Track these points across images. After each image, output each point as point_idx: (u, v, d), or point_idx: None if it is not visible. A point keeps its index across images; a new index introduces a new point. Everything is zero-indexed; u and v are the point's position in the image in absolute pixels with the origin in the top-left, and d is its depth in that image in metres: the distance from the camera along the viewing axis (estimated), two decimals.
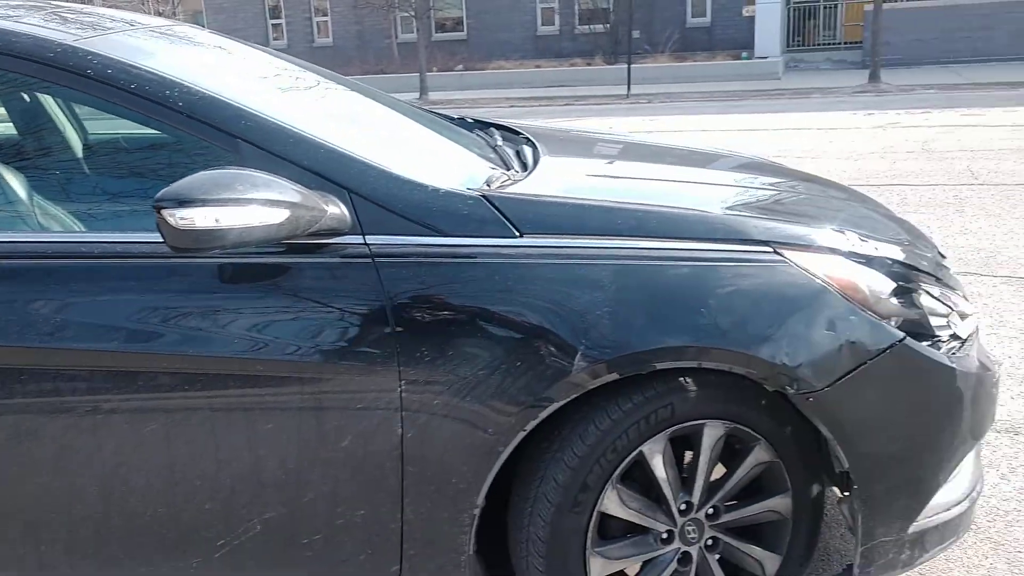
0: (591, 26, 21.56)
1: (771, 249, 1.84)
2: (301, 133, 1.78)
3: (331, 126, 2.10)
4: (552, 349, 1.70)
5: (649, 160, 2.72)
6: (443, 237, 1.74)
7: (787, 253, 1.84)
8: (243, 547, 1.78)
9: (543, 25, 23.16)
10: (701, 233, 1.84)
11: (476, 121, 3.07)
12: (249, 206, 1.56)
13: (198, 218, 1.53)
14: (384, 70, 21.55)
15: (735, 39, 21.30)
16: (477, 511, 1.78)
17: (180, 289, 1.68)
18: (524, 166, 2.29)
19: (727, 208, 2.05)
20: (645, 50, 20.20)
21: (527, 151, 2.46)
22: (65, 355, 1.65)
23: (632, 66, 17.00)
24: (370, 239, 1.72)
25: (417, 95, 17.70)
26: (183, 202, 1.53)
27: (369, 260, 1.71)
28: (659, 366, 1.73)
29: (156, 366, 1.66)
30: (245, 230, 1.56)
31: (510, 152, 2.46)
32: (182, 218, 1.52)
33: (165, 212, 1.52)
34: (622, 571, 1.93)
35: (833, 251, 1.90)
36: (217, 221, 1.54)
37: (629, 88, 16.64)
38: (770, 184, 2.50)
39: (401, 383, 1.70)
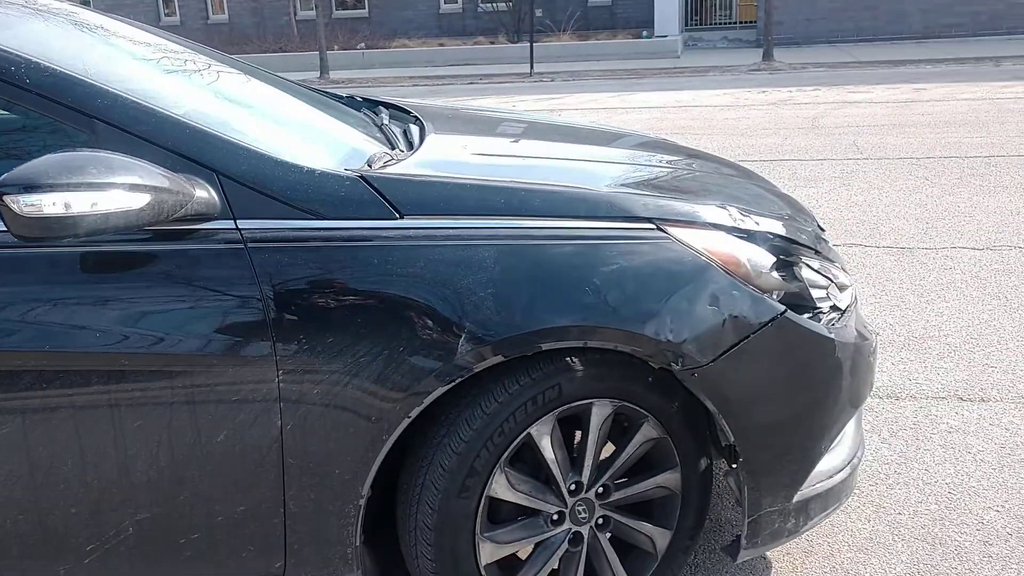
0: (494, 4, 21.42)
1: (654, 226, 1.83)
2: (164, 112, 1.68)
3: (205, 106, 2.01)
4: (435, 333, 1.66)
5: (539, 138, 2.70)
6: (319, 220, 1.68)
7: (670, 229, 1.84)
8: (115, 550, 1.69)
9: (446, 3, 22.91)
10: (584, 211, 1.82)
11: (365, 100, 2.99)
12: (105, 191, 1.47)
13: (46, 204, 1.43)
14: (283, 48, 20.99)
15: (636, 18, 21.52)
16: (363, 502, 1.73)
17: (35, 281, 1.57)
18: (410, 145, 2.24)
19: (612, 185, 2.04)
20: (547, 27, 20.22)
21: (414, 130, 2.41)
22: None
23: (535, 44, 16.98)
24: (241, 223, 1.65)
25: (318, 74, 17.31)
26: (29, 187, 1.42)
27: (241, 245, 1.63)
28: (544, 347, 1.71)
29: (11, 364, 1.55)
30: (100, 217, 1.47)
31: (397, 131, 2.40)
32: (28, 205, 1.41)
33: (8, 199, 1.41)
34: (515, 554, 1.92)
35: (715, 226, 1.91)
36: (68, 207, 1.43)
37: (532, 66, 16.63)
38: (658, 161, 2.51)
39: (279, 373, 1.63)
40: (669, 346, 1.75)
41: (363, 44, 20.79)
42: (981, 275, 4.29)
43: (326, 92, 2.96)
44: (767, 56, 16.20)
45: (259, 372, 1.62)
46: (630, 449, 1.91)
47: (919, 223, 5.20)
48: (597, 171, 2.25)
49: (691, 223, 1.88)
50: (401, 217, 1.71)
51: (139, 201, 1.50)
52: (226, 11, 23.72)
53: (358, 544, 1.76)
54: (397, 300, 1.66)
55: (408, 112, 2.70)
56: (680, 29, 20.73)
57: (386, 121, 2.51)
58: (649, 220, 1.84)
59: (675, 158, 2.58)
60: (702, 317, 1.79)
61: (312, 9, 20.71)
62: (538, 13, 18.84)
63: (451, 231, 1.72)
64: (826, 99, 10.88)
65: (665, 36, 19.60)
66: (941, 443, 2.77)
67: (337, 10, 23.04)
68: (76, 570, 1.69)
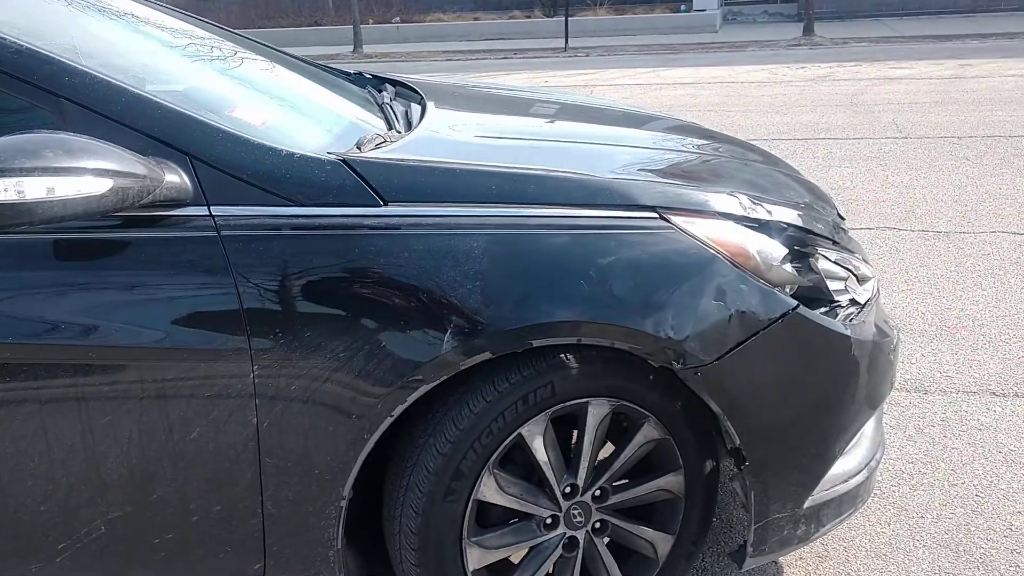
0: None
1: (656, 215, 1.72)
2: (135, 91, 1.59)
3: (187, 85, 1.93)
4: (419, 328, 1.57)
5: (550, 119, 2.58)
6: (297, 207, 1.59)
7: (674, 219, 1.72)
8: (87, 549, 1.62)
9: None
10: (582, 198, 1.71)
11: (374, 77, 2.88)
12: (62, 176, 1.38)
13: None
14: (318, 22, 20.92)
15: None
16: (344, 503, 1.65)
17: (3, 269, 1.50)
18: (409, 126, 2.13)
19: (617, 171, 1.92)
20: (583, 1, 19.92)
21: (416, 110, 2.30)
22: None
23: (570, 19, 16.73)
24: (215, 210, 1.56)
25: (351, 48, 17.21)
26: None
27: (214, 233, 1.55)
28: (535, 343, 1.61)
29: None
30: (58, 203, 1.38)
31: (398, 111, 2.30)
32: None
33: None
34: (508, 559, 1.83)
35: (723, 215, 1.79)
36: (21, 194, 1.35)
37: (567, 41, 16.39)
38: (674, 146, 2.38)
39: (254, 368, 1.55)
40: (670, 343, 1.64)
41: (398, 18, 20.64)
42: (1022, 261, 4.09)
43: (332, 69, 2.86)
44: (808, 31, 15.80)
45: (233, 366, 1.54)
46: (629, 450, 1.81)
47: (957, 206, 4.99)
48: (606, 155, 2.13)
49: (697, 212, 1.76)
50: (385, 204, 1.62)
51: (101, 187, 1.42)
52: None
53: (340, 546, 1.69)
54: (379, 292, 1.57)
55: (414, 90, 2.59)
56: (719, 3, 20.29)
57: (388, 100, 2.40)
58: (652, 208, 1.72)
59: (693, 142, 2.45)
60: (706, 313, 1.67)
61: None
62: None
63: (437, 219, 1.62)
64: (867, 75, 10.56)
65: (703, 10, 19.20)
66: (970, 441, 2.63)
67: None
68: (47, 569, 1.63)
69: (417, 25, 20.07)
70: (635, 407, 1.76)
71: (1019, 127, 6.93)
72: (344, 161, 1.64)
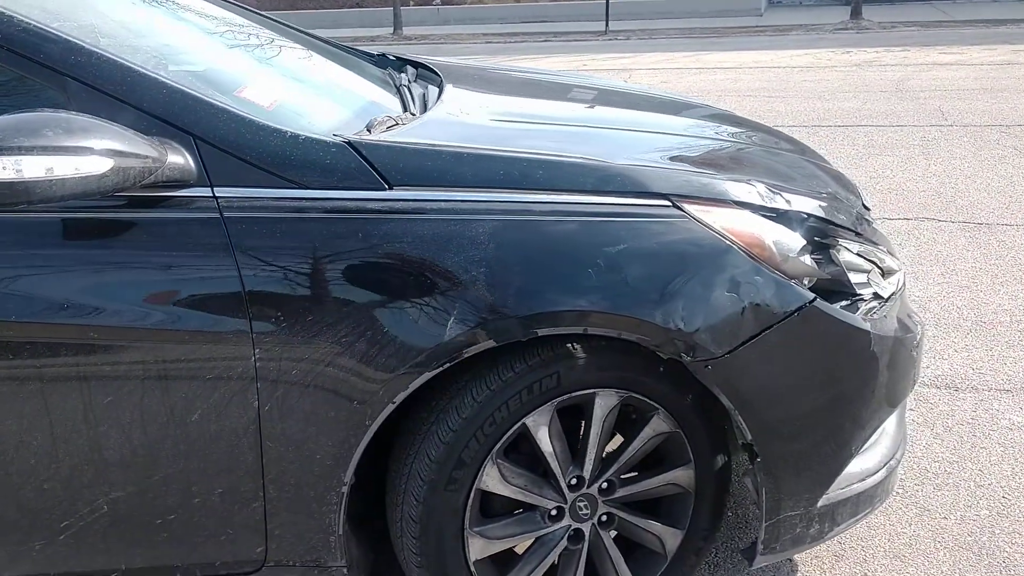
0: None
1: (669, 203, 1.67)
2: (140, 70, 1.57)
3: (197, 65, 1.92)
4: (423, 313, 1.54)
5: (570, 102, 2.53)
6: (302, 189, 1.57)
7: (687, 207, 1.67)
8: (90, 528, 1.63)
9: None
10: (592, 184, 1.67)
11: (398, 58, 2.86)
12: (62, 155, 1.37)
13: None
14: (360, 3, 20.96)
15: None
16: (346, 489, 1.64)
17: (1, 248, 1.50)
18: (425, 108, 2.10)
19: (631, 157, 1.87)
20: None
21: (433, 92, 2.27)
22: None
23: (611, 1, 16.55)
24: (219, 191, 1.54)
25: (391, 30, 17.21)
26: None
27: (217, 215, 1.53)
28: (540, 332, 1.58)
29: None
30: (57, 182, 1.37)
31: (415, 93, 2.27)
32: None
33: None
34: (513, 549, 1.80)
35: (739, 204, 1.73)
36: (19, 172, 1.35)
37: (607, 24, 16.23)
38: (699, 133, 2.32)
39: (256, 351, 1.54)
40: (680, 335, 1.60)
41: (439, 1, 20.60)
42: None
43: (355, 50, 2.84)
44: (855, 14, 15.46)
45: (235, 349, 1.53)
46: (638, 443, 1.77)
47: (1001, 197, 4.85)
48: (625, 141, 2.09)
49: (712, 200, 1.71)
50: (390, 187, 1.59)
51: (101, 166, 1.41)
52: None
53: (342, 532, 1.67)
54: (382, 277, 1.55)
55: (435, 72, 2.56)
56: None
57: (406, 81, 2.37)
58: (664, 196, 1.68)
59: (721, 129, 2.38)
60: (718, 304, 1.62)
61: None
62: None
63: (443, 204, 1.59)
64: (915, 60, 10.30)
65: None
66: (1000, 441, 2.55)
67: None
68: (50, 547, 1.64)
69: (457, 7, 20.01)
70: (644, 399, 1.73)
71: None
72: (349, 143, 1.62)
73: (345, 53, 2.70)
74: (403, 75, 2.49)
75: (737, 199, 1.74)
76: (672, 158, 1.97)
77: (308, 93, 2.07)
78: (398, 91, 2.29)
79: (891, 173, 5.37)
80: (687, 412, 1.75)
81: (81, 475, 1.59)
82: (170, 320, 1.52)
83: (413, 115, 2.00)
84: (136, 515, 1.63)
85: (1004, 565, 2.05)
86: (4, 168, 1.34)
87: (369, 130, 1.78)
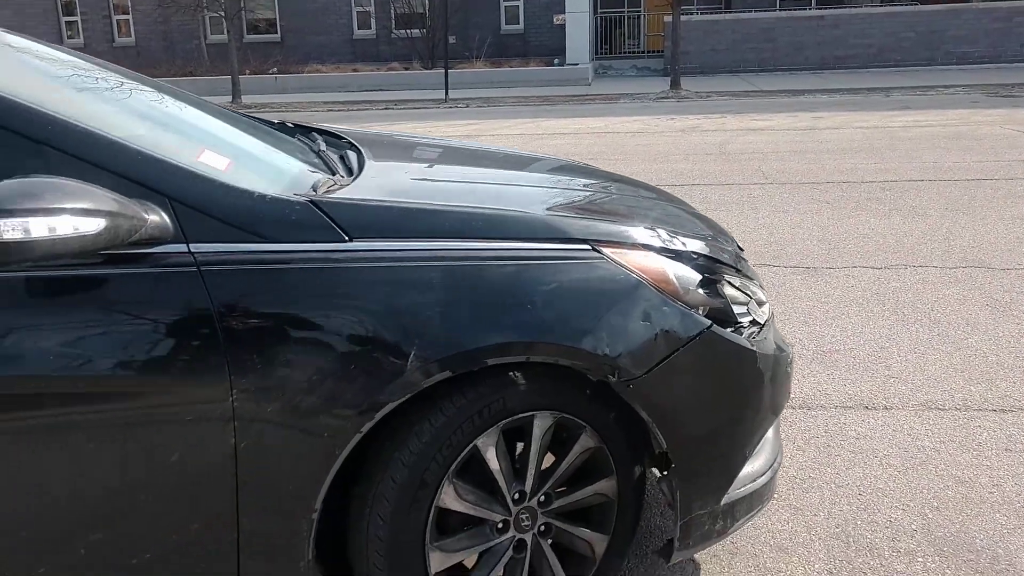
0: (408, 31, 21.55)
1: (589, 247, 1.95)
2: (115, 139, 1.71)
3: (146, 131, 2.04)
4: (385, 351, 1.73)
5: (469, 163, 2.80)
6: (272, 243, 1.73)
7: (605, 250, 1.96)
8: (67, 571, 1.69)
9: (360, 28, 22.94)
10: (524, 233, 1.93)
11: (297, 126, 3.04)
12: (62, 216, 1.49)
13: (5, 230, 1.45)
14: (193, 72, 20.65)
15: (548, 46, 21.95)
16: (315, 516, 1.78)
17: None
18: (349, 171, 2.30)
19: (547, 208, 2.15)
20: (461, 54, 20.42)
21: (351, 156, 2.48)
22: None
23: (449, 71, 17.15)
24: (195, 247, 1.69)
25: (230, 99, 17.07)
26: None
27: (194, 268, 1.67)
28: (490, 362, 1.80)
29: None
30: (59, 241, 1.49)
31: (334, 157, 2.46)
32: None
33: None
34: (460, 563, 1.99)
35: (646, 247, 2.03)
36: (26, 232, 1.46)
37: (447, 92, 16.78)
38: (584, 185, 2.63)
39: (233, 392, 1.67)
40: (606, 359, 1.86)
41: (276, 69, 20.60)
42: (880, 292, 4.57)
43: (258, 118, 3.00)
44: (674, 84, 16.75)
45: (213, 391, 1.66)
46: (570, 458, 2.01)
47: (822, 244, 5.50)
48: (529, 194, 2.36)
49: (624, 244, 2.00)
50: (350, 240, 1.78)
51: (95, 226, 1.53)
52: (132, 34, 23.22)
53: (311, 558, 1.81)
54: (348, 320, 1.72)
55: (341, 138, 2.77)
56: (590, 57, 21.23)
57: (323, 147, 2.57)
58: (585, 241, 1.95)
59: (596, 181, 2.71)
60: (636, 332, 1.90)
61: (223, 33, 20.45)
62: (452, 40, 19.04)
63: (398, 253, 1.80)
64: (732, 127, 11.32)
65: (576, 64, 20.04)
66: (850, 449, 2.96)
67: (249, 34, 22.80)
68: None
69: (295, 76, 20.08)
70: (574, 419, 1.97)
71: (869, 174, 7.64)
72: (312, 202, 1.81)
73: (252, 120, 2.86)
74: (316, 142, 2.67)
75: (644, 242, 2.04)
76: (578, 207, 2.26)
77: (248, 157, 2.23)
78: (318, 155, 2.48)
79: (726, 226, 5.95)
80: (610, 428, 2.01)
81: (60, 521, 1.65)
82: (153, 367, 1.63)
83: (344, 177, 2.19)
84: (113, 556, 1.70)
85: (868, 548, 2.42)
86: (13, 229, 1.45)
87: (315, 190, 1.97)
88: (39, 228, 1.47)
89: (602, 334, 1.86)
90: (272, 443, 1.71)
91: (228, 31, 18.07)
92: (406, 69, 20.44)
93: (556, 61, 20.75)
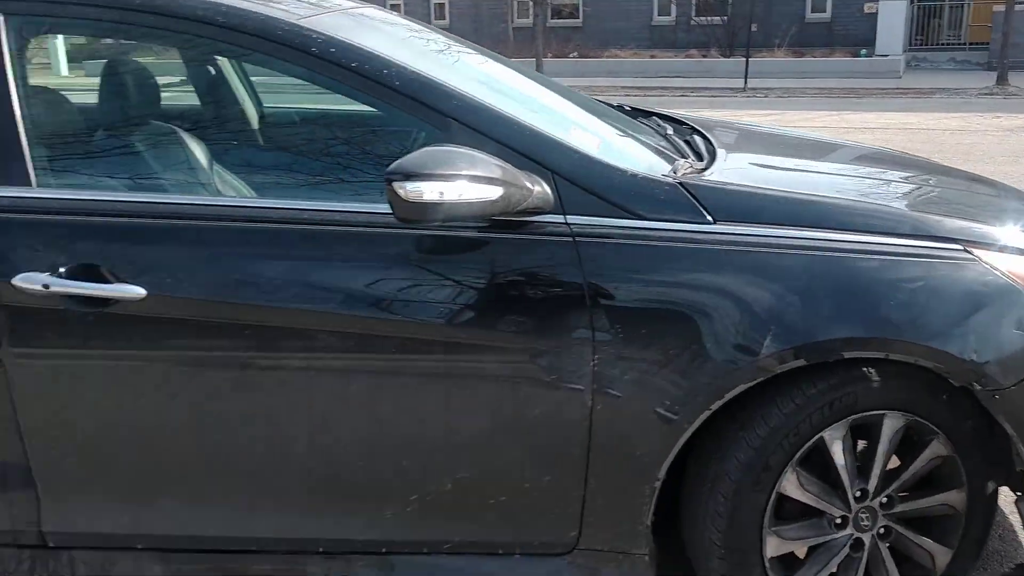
0: (708, 18, 21.27)
1: (961, 247, 1.85)
2: (509, 115, 1.87)
3: (521, 107, 2.20)
4: (741, 333, 1.76)
5: (818, 154, 2.75)
6: (640, 220, 1.82)
7: (977, 252, 1.86)
8: (432, 502, 1.89)
9: (659, 15, 22.96)
10: (890, 228, 1.87)
11: (635, 109, 3.12)
12: (470, 183, 1.66)
13: (425, 191, 1.64)
14: (499, 53, 21.69)
15: (854, 35, 20.70)
16: (658, 484, 1.85)
17: (396, 258, 1.79)
18: (698, 155, 2.34)
19: (910, 204, 2.08)
20: (761, 43, 19.80)
21: (698, 140, 2.51)
22: (289, 314, 1.78)
23: (749, 60, 16.71)
24: (571, 219, 1.81)
25: None
26: (411, 175, 1.63)
27: (569, 239, 1.79)
28: (847, 355, 1.77)
29: (375, 329, 1.78)
30: (464, 204, 1.66)
31: (680, 141, 2.52)
32: (411, 191, 1.63)
33: (396, 184, 1.63)
34: (791, 553, 1.98)
35: (1021, 251, 1.90)
36: (441, 195, 1.64)
37: (746, 81, 16.37)
38: (940, 181, 2.49)
39: (594, 357, 1.77)
40: (972, 365, 1.77)
41: (575, 53, 21.18)
42: None
43: (604, 102, 3.12)
44: (1001, 79, 15.19)
45: (577, 355, 1.77)
46: (918, 464, 1.94)
47: None
48: (889, 188, 2.30)
49: (997, 246, 1.89)
50: (714, 222, 1.83)
51: (495, 193, 1.69)
52: (447, 17, 24.86)
53: (649, 523, 1.89)
54: (708, 300, 1.77)
55: (682, 123, 2.81)
56: (903, 48, 19.77)
57: (670, 131, 2.63)
58: (955, 241, 1.86)
59: (957, 179, 2.56)
60: (1007, 339, 1.79)
61: (528, 17, 21.38)
62: (753, 28, 18.49)
63: (760, 239, 1.81)
64: None
65: (886, 55, 18.76)
66: None
67: (552, 18, 23.58)
68: (399, 516, 1.90)
69: (595, 60, 20.52)
70: (927, 423, 1.89)
71: None
72: (680, 183, 1.87)
73: (595, 102, 2.98)
74: (662, 126, 2.74)
75: (1019, 246, 1.91)
76: (943, 204, 2.16)
77: (609, 138, 2.34)
78: (665, 138, 2.54)
79: None
80: (964, 438, 1.91)
81: (434, 456, 1.85)
82: (525, 327, 1.78)
83: (699, 161, 2.23)
84: (474, 495, 1.88)
85: None
86: (431, 191, 1.63)
87: (675, 172, 2.03)
88: (450, 191, 1.65)
89: (970, 338, 1.77)
90: (625, 410, 1.80)
91: (535, 15, 18.83)
92: (704, 56, 20.20)
93: (863, 52, 19.51)
